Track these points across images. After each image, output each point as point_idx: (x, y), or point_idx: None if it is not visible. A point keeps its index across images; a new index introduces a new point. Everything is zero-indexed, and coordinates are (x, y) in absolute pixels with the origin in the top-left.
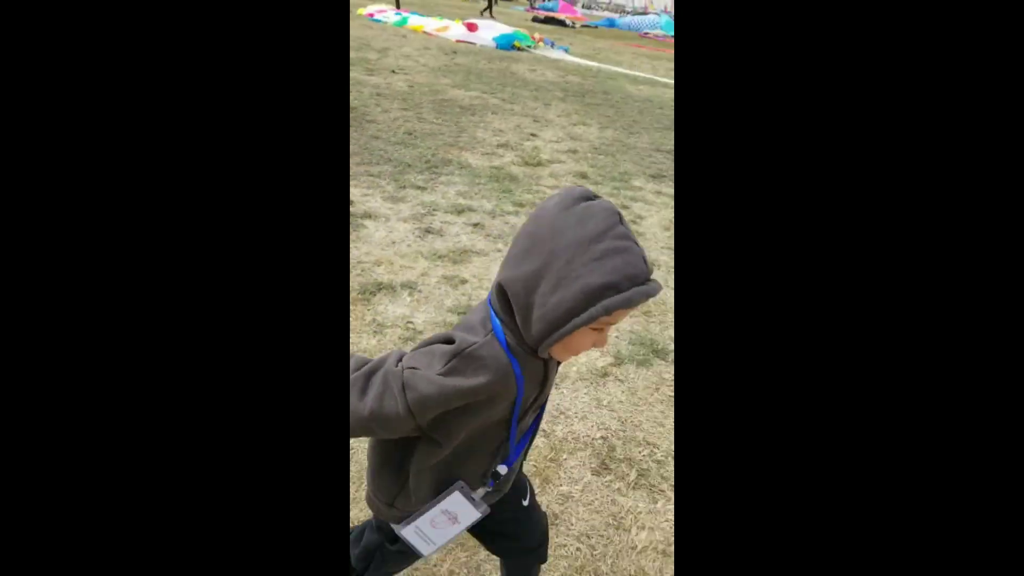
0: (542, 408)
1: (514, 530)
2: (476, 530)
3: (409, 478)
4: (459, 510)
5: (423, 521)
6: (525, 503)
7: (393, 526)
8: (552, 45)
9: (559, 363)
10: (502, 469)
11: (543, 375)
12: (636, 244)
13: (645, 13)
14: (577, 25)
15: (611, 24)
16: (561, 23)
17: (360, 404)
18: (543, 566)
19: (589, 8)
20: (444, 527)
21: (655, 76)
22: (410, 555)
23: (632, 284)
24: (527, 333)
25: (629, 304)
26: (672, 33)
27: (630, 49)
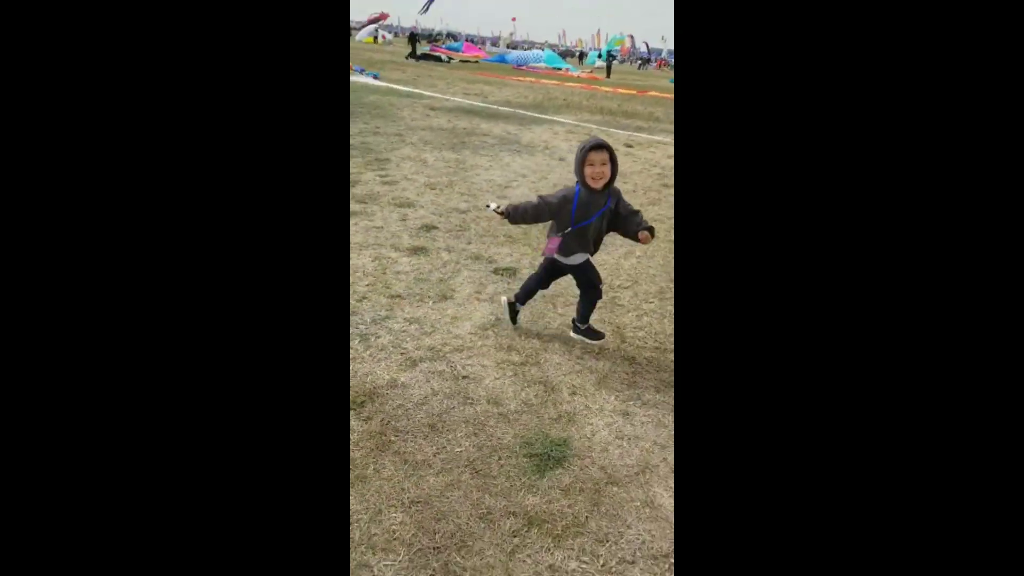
0: (601, 210)
1: (590, 275)
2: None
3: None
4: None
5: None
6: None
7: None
8: (361, 71)
9: (599, 190)
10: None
11: (588, 196)
12: (593, 139)
13: (530, 49)
14: (454, 60)
15: (502, 59)
16: (437, 59)
17: (531, 203)
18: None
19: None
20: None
21: (431, 93)
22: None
23: (585, 149)
24: (580, 180)
25: (584, 153)
26: (553, 65)
27: (475, 77)
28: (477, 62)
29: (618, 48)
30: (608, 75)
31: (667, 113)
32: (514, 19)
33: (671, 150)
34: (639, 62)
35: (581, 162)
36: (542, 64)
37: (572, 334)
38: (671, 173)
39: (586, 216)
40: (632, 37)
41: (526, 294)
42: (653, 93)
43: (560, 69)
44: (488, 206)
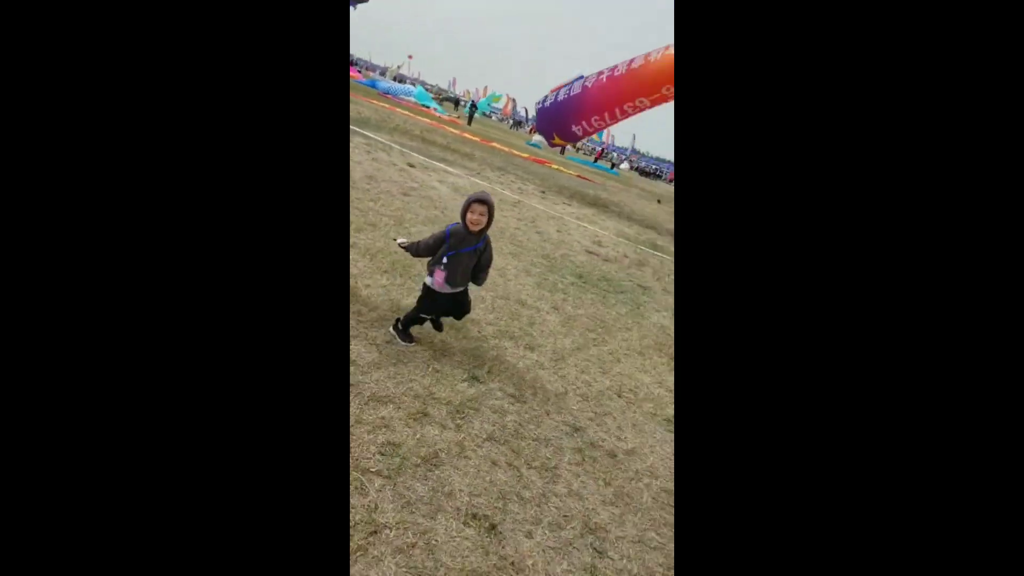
0: (473, 247)
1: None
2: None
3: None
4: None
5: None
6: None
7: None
8: None
9: (478, 232)
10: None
11: (466, 235)
12: (479, 193)
13: (403, 82)
14: None
15: (373, 84)
16: None
17: (427, 239)
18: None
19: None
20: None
21: None
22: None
23: (469, 201)
24: (462, 220)
25: (468, 204)
26: (422, 102)
27: None
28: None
29: (499, 105)
30: (469, 123)
31: (485, 159)
32: (410, 56)
33: (453, 180)
34: (512, 123)
35: (465, 208)
36: (411, 98)
37: (390, 328)
38: (440, 199)
39: (458, 247)
40: (514, 100)
41: (407, 322)
42: (495, 144)
43: (427, 107)
44: (395, 240)
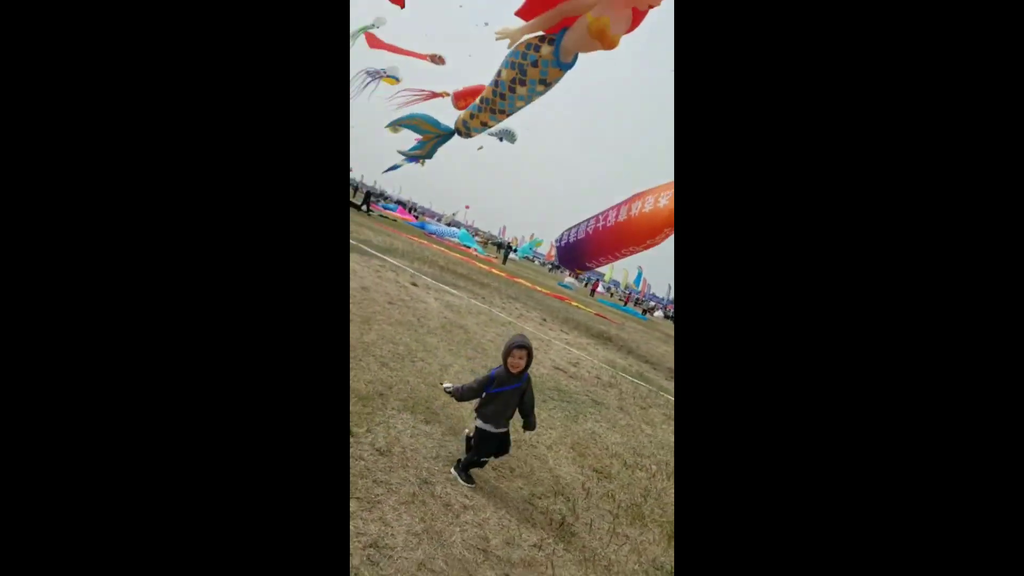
0: (514, 386)
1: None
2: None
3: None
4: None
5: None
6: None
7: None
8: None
9: (518, 373)
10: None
11: (507, 376)
12: (519, 338)
13: (452, 225)
14: (375, 213)
15: (422, 226)
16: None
17: (470, 383)
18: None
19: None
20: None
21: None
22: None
23: (510, 346)
24: (503, 363)
25: (509, 349)
26: (465, 243)
27: (379, 228)
28: (395, 221)
29: (541, 250)
30: (504, 262)
31: (500, 289)
32: (467, 207)
33: (450, 300)
34: (551, 266)
35: (506, 353)
36: (455, 239)
37: (452, 470)
38: (425, 312)
39: (501, 386)
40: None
41: (467, 465)
42: (520, 280)
43: (468, 247)
44: (443, 385)
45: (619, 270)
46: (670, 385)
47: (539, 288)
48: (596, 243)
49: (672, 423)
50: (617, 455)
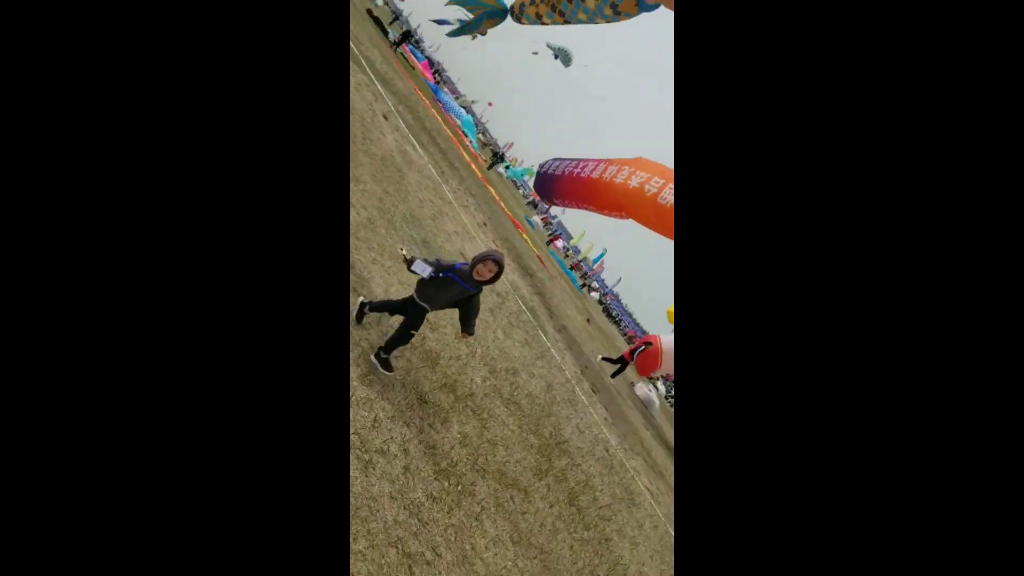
0: (464, 286)
1: (417, 321)
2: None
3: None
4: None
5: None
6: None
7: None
8: None
9: (479, 282)
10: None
11: (468, 277)
12: (496, 253)
13: None
14: (398, 52)
15: (435, 90)
16: None
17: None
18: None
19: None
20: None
21: None
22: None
23: (484, 256)
24: (471, 267)
25: (483, 258)
26: (466, 131)
27: (397, 69)
28: (412, 69)
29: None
30: (488, 168)
31: (467, 180)
32: (490, 104)
33: (407, 148)
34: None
35: (479, 259)
36: (458, 120)
37: (372, 357)
38: (385, 148)
39: (458, 280)
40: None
41: (379, 307)
42: (491, 188)
43: (466, 136)
44: (401, 250)
45: (585, 243)
46: (551, 331)
47: (502, 205)
48: (567, 185)
49: (528, 347)
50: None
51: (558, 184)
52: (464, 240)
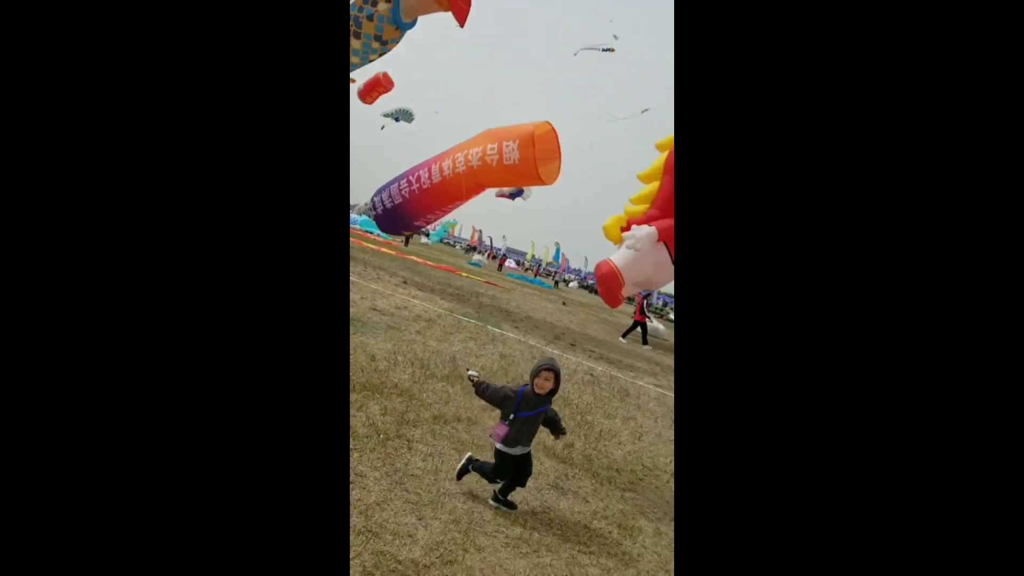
0: (540, 409)
1: (526, 466)
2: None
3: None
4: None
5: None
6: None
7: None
8: None
9: (545, 395)
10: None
11: (533, 397)
12: (547, 360)
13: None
14: None
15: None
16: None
17: (496, 386)
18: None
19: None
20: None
21: None
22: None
23: (538, 368)
24: (530, 384)
25: (537, 371)
26: (367, 229)
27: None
28: None
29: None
30: (406, 243)
31: (376, 263)
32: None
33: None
34: (469, 248)
35: (535, 374)
36: (356, 226)
37: (491, 502)
38: None
39: (528, 409)
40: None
41: (479, 468)
42: (412, 257)
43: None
44: (468, 371)
45: (540, 247)
46: (507, 324)
47: (428, 263)
48: (418, 204)
49: (473, 341)
50: (380, 353)
51: (407, 208)
52: (377, 295)
